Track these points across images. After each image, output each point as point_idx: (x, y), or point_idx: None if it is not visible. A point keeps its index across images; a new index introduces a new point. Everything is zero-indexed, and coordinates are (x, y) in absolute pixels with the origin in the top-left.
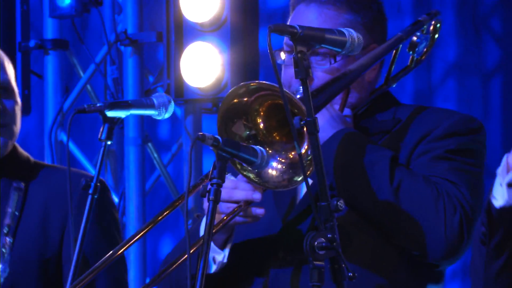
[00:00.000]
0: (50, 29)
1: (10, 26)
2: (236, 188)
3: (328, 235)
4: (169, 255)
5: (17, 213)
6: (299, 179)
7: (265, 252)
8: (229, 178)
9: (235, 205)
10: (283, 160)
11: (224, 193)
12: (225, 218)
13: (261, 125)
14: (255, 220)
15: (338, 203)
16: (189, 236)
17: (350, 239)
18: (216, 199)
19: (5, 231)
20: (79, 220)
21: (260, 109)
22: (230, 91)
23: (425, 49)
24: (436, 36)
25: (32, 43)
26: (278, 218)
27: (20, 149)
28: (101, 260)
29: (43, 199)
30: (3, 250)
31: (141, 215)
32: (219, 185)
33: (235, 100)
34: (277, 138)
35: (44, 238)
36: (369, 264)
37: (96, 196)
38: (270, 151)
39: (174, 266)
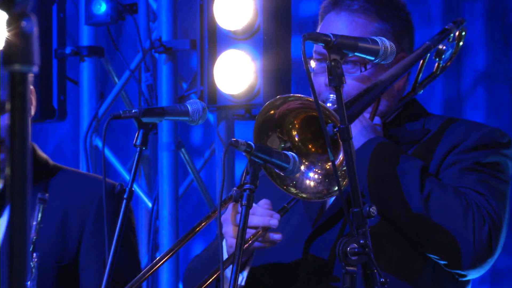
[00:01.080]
0: (85, 36)
1: (46, 33)
2: (253, 214)
3: (361, 241)
4: (197, 259)
5: (42, 225)
6: (336, 188)
7: (295, 257)
8: None
9: (253, 231)
10: (319, 171)
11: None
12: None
13: (296, 138)
14: (272, 245)
15: (371, 209)
16: (221, 252)
17: (379, 248)
18: (249, 204)
19: (31, 248)
20: (98, 227)
21: (295, 122)
22: (265, 104)
23: (450, 56)
24: (461, 43)
25: (68, 50)
26: (308, 224)
27: (39, 151)
28: (136, 277)
29: (63, 205)
30: (31, 265)
31: (174, 219)
32: (252, 190)
33: (270, 113)
34: (313, 150)
35: (62, 244)
36: (396, 271)
37: (124, 201)
38: (306, 163)
39: (211, 279)
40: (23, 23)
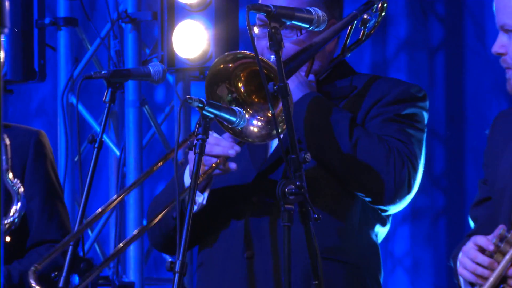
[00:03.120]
0: (62, 8)
1: (28, 6)
2: (217, 145)
3: (297, 183)
4: (158, 196)
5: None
6: (275, 133)
7: (241, 198)
8: (213, 136)
9: (215, 159)
10: (262, 119)
11: (207, 148)
12: (208, 169)
13: (242, 89)
14: (227, 172)
15: (306, 155)
16: (178, 185)
17: (315, 189)
18: (201, 152)
19: (11, 176)
20: (38, 165)
21: (241, 75)
22: (216, 59)
23: (374, 25)
24: (383, 13)
25: (47, 20)
26: (252, 169)
27: None
28: (105, 204)
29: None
30: (17, 190)
31: (139, 166)
32: (204, 140)
33: (220, 67)
34: (256, 100)
35: None
36: (330, 209)
37: (95, 150)
38: (250, 111)
39: (166, 210)
40: None
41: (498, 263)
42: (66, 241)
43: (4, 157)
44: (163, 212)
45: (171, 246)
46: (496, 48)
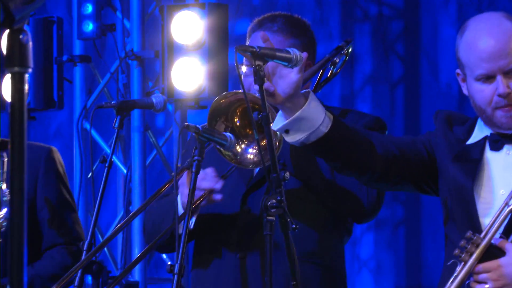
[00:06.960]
0: (78, 47)
1: (49, 46)
2: (204, 179)
3: (278, 198)
4: (152, 208)
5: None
6: (267, 158)
7: (234, 208)
8: (201, 171)
9: (202, 191)
10: (256, 147)
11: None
12: (196, 200)
13: (238, 123)
14: (212, 202)
15: (285, 174)
16: (176, 203)
17: (296, 204)
18: (197, 171)
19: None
20: (48, 178)
21: (237, 111)
22: (215, 99)
23: (340, 65)
24: (347, 57)
25: (64, 57)
26: (242, 184)
27: None
28: (119, 225)
29: None
30: (4, 198)
31: (143, 182)
32: (199, 161)
33: (220, 102)
34: (250, 132)
35: None
36: (307, 221)
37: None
38: (246, 142)
39: (164, 233)
40: (21, 36)
41: (466, 262)
42: (82, 261)
43: (0, 171)
44: (161, 236)
45: (168, 248)
46: (505, 89)
